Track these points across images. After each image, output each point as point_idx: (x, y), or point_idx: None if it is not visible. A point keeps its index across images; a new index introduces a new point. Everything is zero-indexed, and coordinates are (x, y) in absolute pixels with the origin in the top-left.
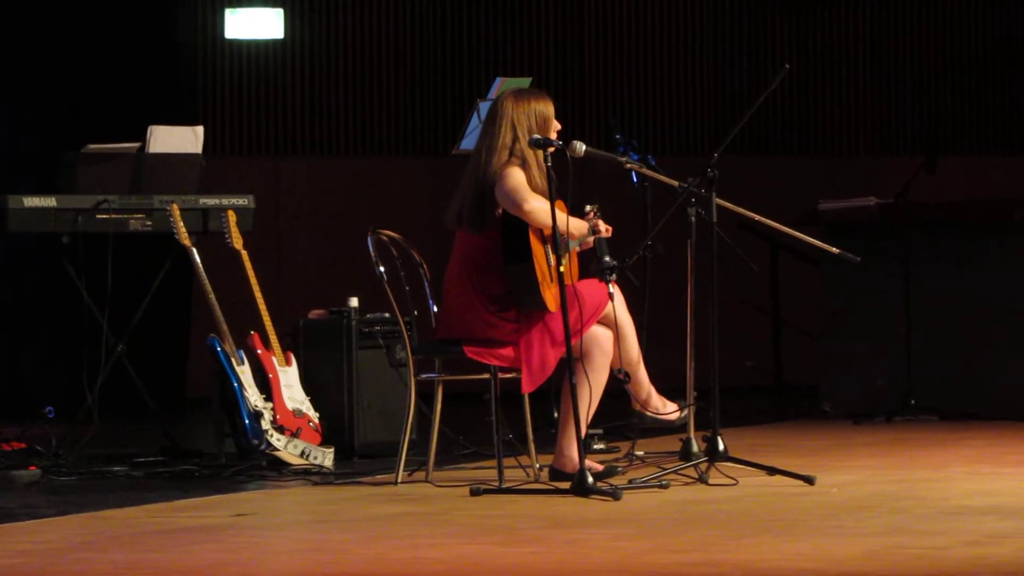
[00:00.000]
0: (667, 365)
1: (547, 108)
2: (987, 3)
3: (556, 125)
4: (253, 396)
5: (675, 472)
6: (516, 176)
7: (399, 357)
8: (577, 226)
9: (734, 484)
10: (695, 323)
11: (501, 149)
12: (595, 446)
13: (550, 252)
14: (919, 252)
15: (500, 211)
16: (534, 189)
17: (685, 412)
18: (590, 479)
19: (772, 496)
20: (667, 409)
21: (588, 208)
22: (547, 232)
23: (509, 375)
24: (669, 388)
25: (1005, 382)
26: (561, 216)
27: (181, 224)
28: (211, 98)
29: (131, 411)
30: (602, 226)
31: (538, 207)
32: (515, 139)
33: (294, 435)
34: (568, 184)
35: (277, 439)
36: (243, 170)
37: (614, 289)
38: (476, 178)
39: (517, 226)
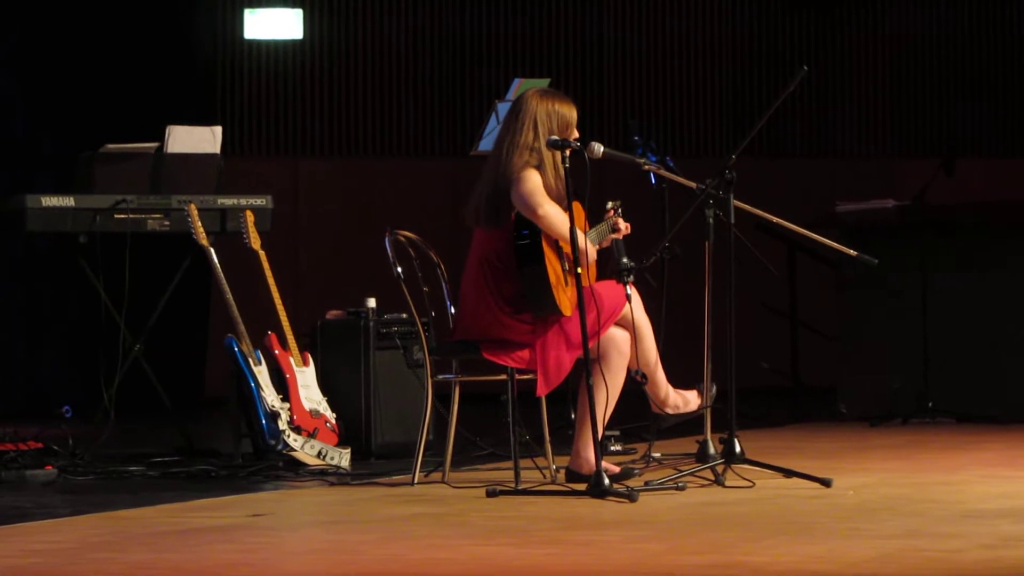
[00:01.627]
0: (685, 367)
1: (571, 113)
2: (1006, 5)
3: (575, 133)
4: (270, 396)
5: (692, 474)
6: (532, 179)
7: (416, 358)
8: (590, 249)
9: (751, 486)
10: (712, 325)
11: (522, 147)
12: (612, 448)
13: (565, 257)
14: (936, 254)
15: (515, 213)
16: (549, 192)
17: (704, 398)
18: (606, 481)
19: (788, 498)
20: (687, 406)
21: (609, 204)
22: (561, 242)
23: (526, 376)
24: (686, 388)
25: (1022, 385)
26: (578, 232)
27: (199, 224)
28: (230, 98)
29: (148, 411)
30: (622, 224)
31: (552, 212)
32: (536, 138)
33: (311, 435)
34: (586, 186)
35: (294, 439)
36: (261, 170)
37: (631, 290)
38: (496, 174)
39: (529, 229)
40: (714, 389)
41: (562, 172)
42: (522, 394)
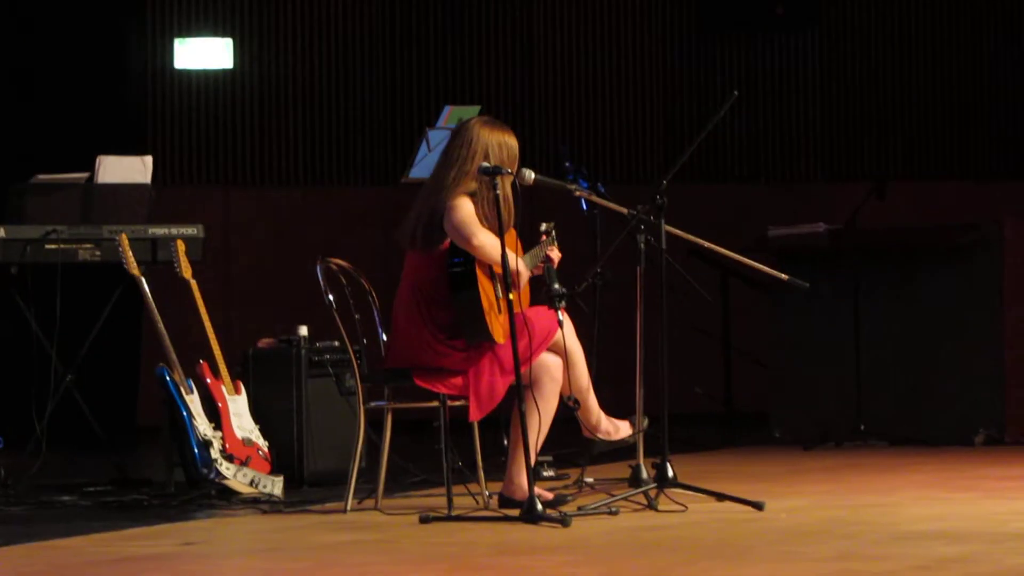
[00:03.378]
0: (617, 392)
1: (516, 145)
2: (936, 30)
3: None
4: (202, 425)
5: (624, 499)
6: (465, 208)
7: (348, 385)
8: (522, 268)
9: (683, 510)
10: (645, 350)
11: (470, 176)
12: (545, 473)
13: (498, 283)
14: (868, 278)
15: (448, 241)
16: (483, 221)
17: (636, 428)
18: (539, 506)
19: (722, 522)
20: (618, 433)
21: (544, 226)
22: (496, 269)
23: (458, 403)
24: (619, 416)
25: (953, 407)
26: (510, 255)
27: (130, 254)
28: (160, 128)
29: (80, 441)
30: (554, 253)
31: (487, 242)
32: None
33: (243, 464)
34: (518, 212)
35: (226, 468)
36: (192, 200)
37: (563, 316)
38: (435, 200)
39: (463, 256)
40: (645, 421)
41: (494, 199)
42: (455, 421)
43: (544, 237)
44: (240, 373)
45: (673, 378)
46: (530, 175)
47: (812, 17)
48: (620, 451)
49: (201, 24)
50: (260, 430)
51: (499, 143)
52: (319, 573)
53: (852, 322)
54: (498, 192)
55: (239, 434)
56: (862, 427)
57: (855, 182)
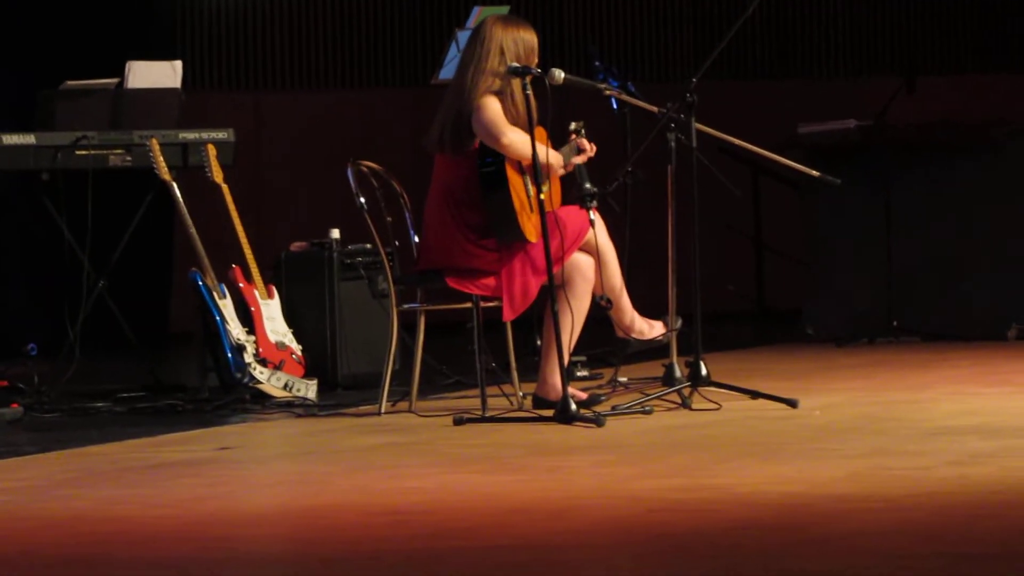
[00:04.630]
0: (650, 291)
1: (533, 39)
2: None
3: (536, 60)
4: (235, 329)
5: (658, 398)
6: (493, 107)
7: (381, 288)
8: (555, 159)
9: (717, 409)
10: (677, 248)
11: (488, 74)
12: (578, 373)
13: (529, 181)
14: (899, 174)
15: (478, 141)
16: (511, 119)
17: (669, 331)
18: (573, 406)
19: (755, 420)
20: (652, 332)
21: (573, 125)
22: (525, 164)
23: (491, 304)
24: (651, 315)
25: (986, 302)
26: (540, 148)
27: (161, 159)
28: (190, 33)
29: (113, 347)
30: (586, 144)
31: (516, 139)
32: (502, 64)
33: (277, 368)
34: (548, 112)
35: (260, 372)
36: (223, 104)
37: (595, 215)
38: (460, 101)
39: (493, 156)
40: (679, 322)
41: (523, 98)
42: (488, 322)
43: (573, 136)
44: (272, 277)
45: (705, 277)
46: (560, 75)
47: None
48: (653, 350)
49: None
50: (293, 334)
51: (514, 39)
52: (354, 476)
53: (884, 218)
54: (527, 91)
55: (272, 338)
56: (895, 323)
57: (886, 77)
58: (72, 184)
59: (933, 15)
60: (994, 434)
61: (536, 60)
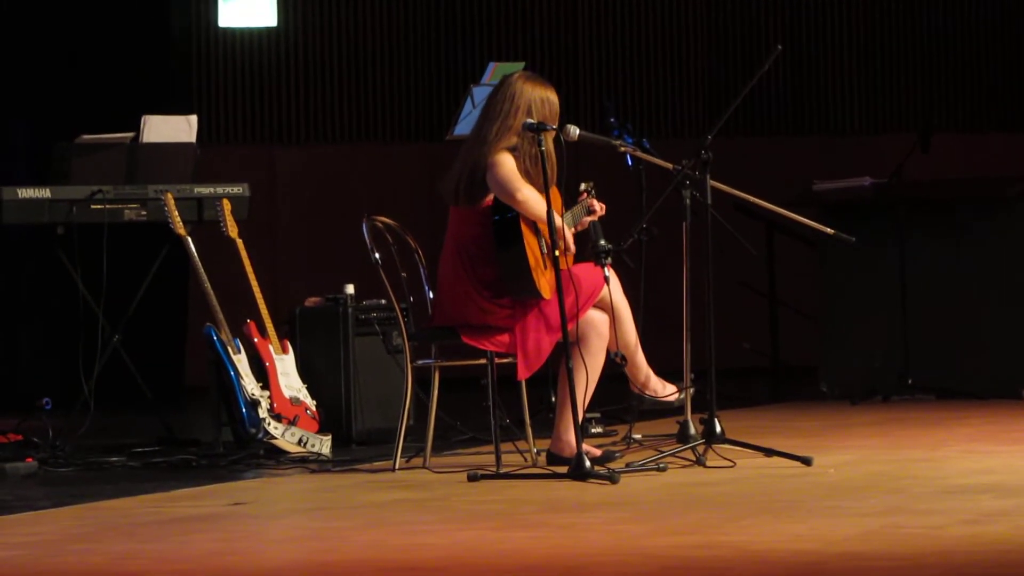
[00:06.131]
0: (664, 348)
1: (557, 102)
2: None
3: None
4: (250, 384)
5: (673, 455)
6: (508, 164)
7: (396, 343)
8: (564, 221)
9: (732, 466)
10: (692, 305)
11: (512, 132)
12: (593, 430)
13: (543, 239)
14: (914, 231)
15: (491, 197)
16: (525, 177)
17: (683, 393)
18: (588, 463)
19: (769, 478)
20: (666, 391)
21: (583, 186)
22: (539, 225)
23: (506, 360)
24: (666, 371)
25: (1001, 360)
26: (554, 210)
27: (176, 213)
28: (205, 87)
29: (128, 401)
30: (596, 205)
31: (531, 197)
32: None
33: (291, 423)
34: (562, 169)
35: (274, 427)
36: (238, 159)
37: (610, 272)
38: (477, 155)
39: (507, 212)
40: (692, 389)
41: (539, 155)
42: (502, 378)
43: (583, 195)
44: (287, 332)
45: (720, 333)
46: (575, 131)
47: None
48: (668, 408)
49: None
50: (308, 389)
51: (542, 98)
52: (367, 532)
53: (898, 276)
54: (543, 148)
55: (287, 393)
56: (909, 381)
57: (900, 134)
58: (87, 238)
59: (947, 73)
60: (1008, 493)
61: (557, 123)
